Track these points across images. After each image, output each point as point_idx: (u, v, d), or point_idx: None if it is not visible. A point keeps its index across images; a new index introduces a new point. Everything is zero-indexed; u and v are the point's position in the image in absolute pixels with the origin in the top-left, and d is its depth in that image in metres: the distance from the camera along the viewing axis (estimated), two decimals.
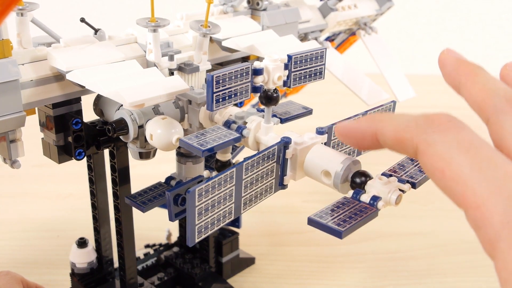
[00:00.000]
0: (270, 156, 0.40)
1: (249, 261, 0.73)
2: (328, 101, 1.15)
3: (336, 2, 0.75)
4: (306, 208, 0.84)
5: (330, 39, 0.90)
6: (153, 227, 0.73)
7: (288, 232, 0.78)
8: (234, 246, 0.70)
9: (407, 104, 1.14)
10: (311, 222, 0.36)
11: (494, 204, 0.25)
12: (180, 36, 0.56)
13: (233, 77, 0.41)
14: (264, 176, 0.40)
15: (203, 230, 0.36)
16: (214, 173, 0.54)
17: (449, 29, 1.55)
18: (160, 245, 0.73)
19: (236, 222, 0.69)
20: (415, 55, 1.56)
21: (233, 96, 0.41)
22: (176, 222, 0.73)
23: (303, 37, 0.73)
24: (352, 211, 0.36)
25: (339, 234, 0.34)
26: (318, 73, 0.48)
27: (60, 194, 0.88)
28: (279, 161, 0.41)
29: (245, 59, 0.65)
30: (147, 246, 0.73)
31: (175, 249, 0.72)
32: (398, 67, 0.87)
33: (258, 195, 0.41)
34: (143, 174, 0.65)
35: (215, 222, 0.37)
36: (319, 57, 0.47)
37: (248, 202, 0.40)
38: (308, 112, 0.52)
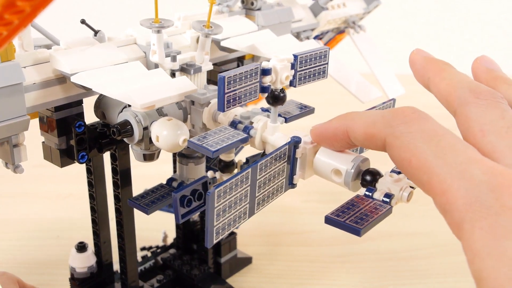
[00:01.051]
0: (282, 156, 0.40)
1: (247, 261, 0.73)
2: (326, 100, 1.14)
3: (327, 1, 0.76)
4: (306, 208, 0.84)
5: (318, 37, 0.91)
6: (148, 228, 0.72)
7: (288, 232, 0.79)
8: (232, 246, 0.70)
9: (408, 104, 1.16)
10: (329, 221, 0.36)
11: (457, 189, 0.26)
12: (178, 37, 0.56)
13: (243, 78, 0.41)
14: (276, 175, 0.41)
15: (220, 231, 0.36)
16: (218, 174, 0.54)
17: (449, 29, 1.56)
18: (157, 247, 0.72)
19: None
20: None
21: (242, 96, 0.41)
22: (172, 223, 0.73)
23: (296, 36, 0.74)
24: (367, 209, 0.37)
25: (357, 232, 0.35)
26: (321, 72, 0.48)
27: (60, 194, 0.88)
28: (290, 160, 0.41)
29: (240, 59, 0.65)
30: (143, 248, 0.73)
31: (172, 250, 0.72)
32: (387, 65, 0.88)
33: (270, 195, 0.41)
34: (142, 175, 0.65)
35: (231, 223, 0.37)
36: (322, 57, 0.47)
37: (261, 202, 0.40)
38: (310, 111, 0.52)
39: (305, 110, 0.51)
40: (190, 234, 0.71)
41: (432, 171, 0.27)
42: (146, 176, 0.67)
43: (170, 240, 0.74)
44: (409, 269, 0.72)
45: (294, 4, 0.72)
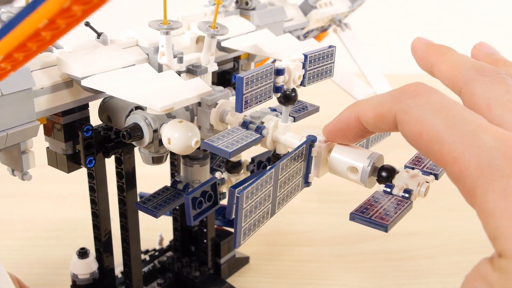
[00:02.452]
0: (300, 155, 0.41)
1: (244, 261, 0.73)
2: (327, 101, 1.15)
3: (316, 0, 0.76)
4: (306, 208, 0.84)
5: (304, 36, 0.91)
6: (144, 229, 0.72)
7: (288, 232, 0.79)
8: (231, 247, 0.70)
9: None
10: (354, 217, 0.37)
11: (469, 156, 0.26)
12: (178, 38, 0.55)
13: (259, 78, 0.41)
14: (294, 175, 0.41)
15: (247, 231, 0.36)
16: (225, 174, 0.53)
17: (449, 29, 1.57)
18: (155, 250, 0.71)
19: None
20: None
21: (258, 97, 0.41)
22: (167, 225, 0.72)
23: None
24: (389, 204, 0.37)
25: (384, 228, 0.35)
26: (328, 71, 0.48)
27: (60, 194, 0.87)
28: (306, 159, 0.42)
29: (236, 59, 0.65)
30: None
31: (169, 253, 0.71)
32: (373, 62, 0.89)
33: (289, 194, 0.41)
34: (141, 175, 0.64)
35: (256, 223, 0.37)
36: (329, 56, 0.48)
37: (281, 201, 0.40)
38: (315, 109, 0.53)
39: (311, 109, 0.52)
40: (187, 236, 0.71)
41: (443, 141, 0.28)
42: (143, 176, 0.66)
43: (165, 243, 0.73)
44: (409, 269, 0.72)
45: (286, 3, 0.72)
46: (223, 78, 0.64)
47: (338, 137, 0.39)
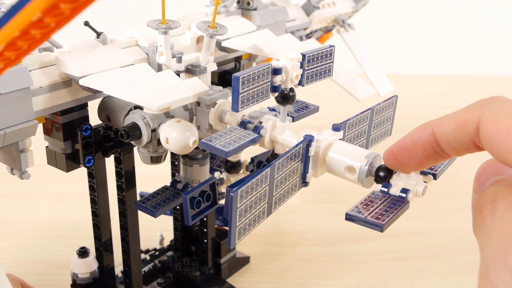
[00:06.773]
0: (296, 154, 0.41)
1: (245, 261, 0.73)
2: (327, 101, 1.15)
3: (319, 0, 0.76)
4: (306, 208, 0.84)
5: (307, 36, 0.91)
6: (143, 229, 0.72)
7: (288, 232, 0.79)
8: None
9: (408, 104, 1.17)
10: (350, 218, 0.36)
11: None
12: (178, 38, 0.56)
13: (256, 78, 0.41)
14: (291, 174, 0.41)
15: (242, 231, 0.36)
16: (224, 174, 0.53)
17: (449, 29, 1.57)
18: (155, 249, 0.71)
19: None
20: (415, 55, 1.57)
21: (255, 96, 0.41)
22: (170, 226, 0.72)
23: None
24: (386, 204, 0.37)
25: (380, 228, 0.35)
26: (327, 71, 0.48)
27: (60, 194, 0.87)
28: (303, 159, 0.42)
29: (237, 59, 0.65)
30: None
31: (169, 253, 0.71)
32: (376, 63, 0.89)
33: (286, 194, 0.41)
34: (142, 175, 0.64)
35: (251, 223, 0.37)
36: (328, 55, 0.48)
37: (277, 201, 0.40)
38: (315, 109, 0.52)
39: (311, 109, 0.52)
40: (188, 235, 0.71)
41: None
42: (144, 176, 0.66)
43: (166, 243, 0.73)
44: (409, 269, 0.72)
45: (288, 3, 0.72)
46: (224, 78, 0.64)
47: (402, 158, 0.35)
